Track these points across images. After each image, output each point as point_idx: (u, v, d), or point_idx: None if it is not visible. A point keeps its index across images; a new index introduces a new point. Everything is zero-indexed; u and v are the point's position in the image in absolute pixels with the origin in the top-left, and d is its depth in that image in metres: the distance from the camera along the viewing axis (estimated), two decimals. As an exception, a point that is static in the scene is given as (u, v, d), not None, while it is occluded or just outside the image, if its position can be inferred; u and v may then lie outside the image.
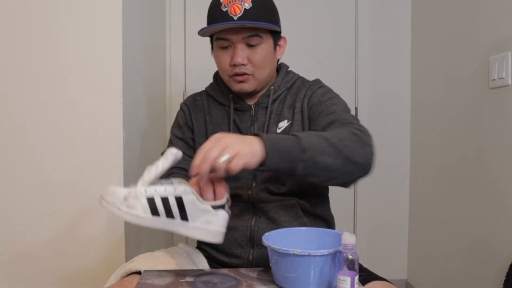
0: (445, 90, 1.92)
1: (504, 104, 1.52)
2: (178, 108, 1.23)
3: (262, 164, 0.80)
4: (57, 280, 1.31)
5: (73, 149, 1.29)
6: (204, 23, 1.08)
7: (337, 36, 2.26)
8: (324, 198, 1.16)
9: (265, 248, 0.90)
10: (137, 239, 1.47)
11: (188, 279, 0.87)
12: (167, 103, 2.17)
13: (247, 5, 1.03)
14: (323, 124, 1.01)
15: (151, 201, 0.77)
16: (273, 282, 0.83)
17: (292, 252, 0.76)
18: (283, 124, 1.10)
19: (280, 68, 1.18)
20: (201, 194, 0.82)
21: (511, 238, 1.48)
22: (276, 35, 1.11)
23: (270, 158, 0.79)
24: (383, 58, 2.27)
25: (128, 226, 1.36)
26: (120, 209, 0.76)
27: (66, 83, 1.29)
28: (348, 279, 0.72)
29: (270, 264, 0.84)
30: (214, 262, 1.11)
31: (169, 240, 2.07)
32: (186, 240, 1.84)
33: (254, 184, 1.09)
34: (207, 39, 1.16)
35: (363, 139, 0.91)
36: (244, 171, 0.78)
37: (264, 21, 1.04)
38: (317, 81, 1.17)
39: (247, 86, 1.09)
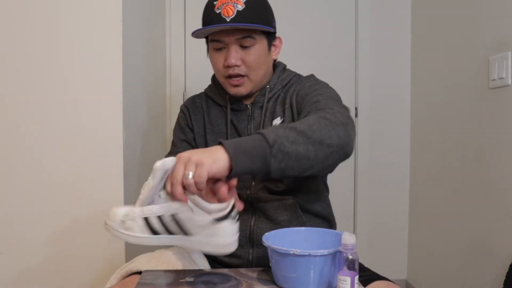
0: (445, 90, 1.92)
1: (504, 104, 1.52)
2: (178, 108, 1.24)
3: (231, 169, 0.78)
4: (57, 280, 1.31)
5: (73, 149, 1.29)
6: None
7: (337, 36, 2.26)
8: (322, 196, 1.16)
9: (265, 247, 0.90)
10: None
11: (188, 279, 0.87)
12: (167, 103, 2.17)
13: (240, 6, 1.03)
14: (304, 115, 0.99)
15: (147, 221, 0.77)
16: (273, 282, 0.84)
17: (292, 252, 0.76)
18: (277, 122, 1.10)
19: (276, 67, 1.18)
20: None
21: (511, 238, 1.48)
22: (270, 36, 1.12)
23: (236, 161, 0.77)
24: (383, 58, 2.27)
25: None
26: (119, 231, 0.76)
27: (66, 83, 1.29)
28: (348, 279, 0.72)
29: (270, 264, 0.84)
30: (214, 262, 1.11)
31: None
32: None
33: (253, 183, 1.09)
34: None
35: (333, 120, 0.87)
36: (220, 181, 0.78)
37: (257, 23, 1.04)
38: (310, 76, 1.17)
39: (243, 90, 1.10)
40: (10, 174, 1.29)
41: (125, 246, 1.32)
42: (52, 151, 1.29)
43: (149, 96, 1.76)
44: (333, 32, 2.26)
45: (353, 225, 2.31)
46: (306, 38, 2.24)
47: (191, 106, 1.20)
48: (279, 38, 1.16)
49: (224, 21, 1.03)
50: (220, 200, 0.81)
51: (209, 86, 1.22)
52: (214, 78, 1.21)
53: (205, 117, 1.17)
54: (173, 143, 1.21)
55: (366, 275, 0.97)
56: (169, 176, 0.77)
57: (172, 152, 1.20)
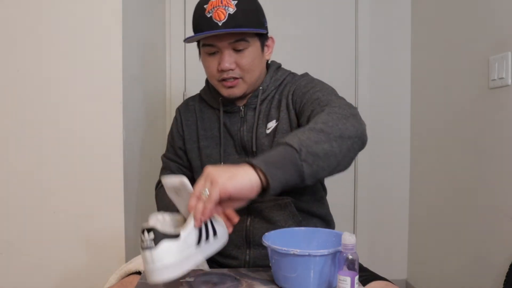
0: (445, 90, 1.92)
1: (504, 104, 1.52)
2: (177, 108, 1.24)
3: (266, 187, 0.74)
4: (57, 280, 1.31)
5: (73, 149, 1.29)
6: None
7: (337, 36, 2.26)
8: (319, 196, 1.15)
9: (261, 248, 0.90)
10: (137, 239, 1.47)
11: (188, 279, 0.87)
12: (167, 104, 2.17)
13: (231, 9, 1.01)
14: (307, 113, 0.98)
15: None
16: (273, 282, 0.84)
17: (292, 252, 0.76)
18: (272, 125, 1.09)
19: (269, 66, 1.17)
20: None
21: (511, 238, 1.48)
22: (263, 37, 1.10)
23: (272, 175, 0.73)
24: (383, 58, 2.27)
25: (128, 226, 1.36)
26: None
27: (66, 83, 1.29)
28: (348, 279, 0.72)
29: (270, 264, 0.84)
30: (213, 263, 1.11)
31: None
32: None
33: None
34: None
35: (343, 113, 0.87)
36: (245, 204, 0.76)
37: (249, 26, 1.03)
38: (304, 74, 1.15)
39: (237, 91, 1.09)
40: (10, 174, 1.29)
41: (125, 246, 1.32)
42: (52, 151, 1.29)
43: (149, 96, 1.76)
44: (333, 32, 2.26)
45: (353, 225, 2.30)
46: (306, 38, 2.24)
47: (183, 111, 1.21)
48: (271, 38, 1.15)
49: (216, 25, 1.01)
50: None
51: (204, 88, 1.22)
52: (207, 80, 1.20)
53: (198, 122, 1.17)
54: (167, 146, 1.25)
55: (365, 275, 0.97)
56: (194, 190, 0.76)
57: (165, 156, 1.24)
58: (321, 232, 0.91)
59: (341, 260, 0.74)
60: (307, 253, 0.76)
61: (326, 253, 0.76)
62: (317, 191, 1.15)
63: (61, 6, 1.28)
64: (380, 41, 2.26)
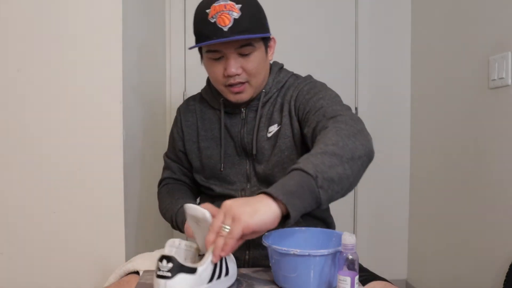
0: (445, 90, 1.92)
1: (504, 104, 1.52)
2: (178, 108, 1.24)
3: (286, 216, 0.74)
4: (57, 280, 1.31)
5: (73, 149, 1.29)
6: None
7: (337, 36, 2.26)
8: None
9: (261, 248, 0.90)
10: (137, 239, 1.47)
11: (188, 279, 0.86)
12: (167, 103, 2.17)
13: (236, 14, 0.98)
14: (313, 124, 0.97)
15: None
16: (273, 282, 0.83)
17: (292, 252, 0.76)
18: (273, 129, 1.08)
19: (272, 68, 1.15)
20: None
21: (511, 238, 1.48)
22: (266, 39, 1.09)
23: (292, 205, 0.72)
24: (383, 58, 2.27)
25: (128, 226, 1.36)
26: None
27: (66, 83, 1.29)
28: (348, 279, 0.72)
29: (270, 264, 0.84)
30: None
31: (168, 239, 2.06)
32: (186, 239, 1.83)
33: (248, 186, 1.09)
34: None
35: (351, 130, 0.86)
36: (265, 232, 0.75)
37: (254, 30, 1.01)
38: (306, 78, 1.13)
39: (244, 96, 1.07)
40: (10, 174, 1.29)
41: (125, 246, 1.32)
42: (52, 151, 1.29)
43: (149, 96, 1.76)
44: (333, 32, 2.26)
45: (353, 225, 2.30)
46: (306, 38, 2.24)
47: (184, 111, 1.20)
48: (273, 38, 1.12)
49: (221, 30, 0.98)
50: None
51: (205, 88, 1.20)
52: (209, 80, 1.19)
53: (199, 122, 1.16)
54: (168, 145, 1.26)
55: (364, 275, 0.97)
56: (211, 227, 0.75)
57: (166, 156, 1.26)
58: (321, 232, 0.91)
59: (341, 260, 0.74)
60: (307, 253, 0.76)
61: (326, 253, 0.76)
62: None
63: (61, 6, 1.28)
64: (380, 41, 2.26)
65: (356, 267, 0.73)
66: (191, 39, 1.05)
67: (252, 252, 1.06)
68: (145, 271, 0.92)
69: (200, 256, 0.85)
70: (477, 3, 1.68)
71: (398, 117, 2.28)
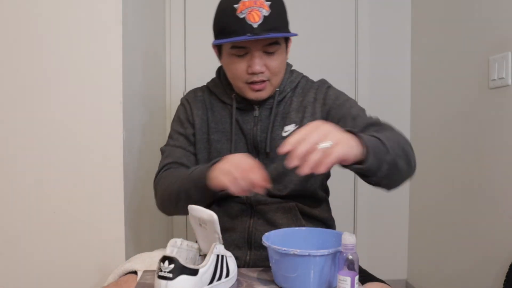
0: (445, 90, 1.92)
1: (504, 104, 1.52)
2: (184, 98, 1.20)
3: (360, 161, 0.79)
4: (57, 280, 1.31)
5: (73, 149, 1.29)
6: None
7: (337, 36, 2.26)
8: (323, 201, 1.15)
9: (262, 249, 0.89)
10: (137, 239, 1.47)
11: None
12: (167, 103, 2.17)
13: (266, 11, 0.98)
14: (355, 128, 0.98)
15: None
16: (273, 282, 0.84)
17: (292, 252, 0.76)
18: (290, 128, 1.08)
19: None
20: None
21: (511, 238, 1.48)
22: (287, 39, 1.09)
23: (369, 156, 0.79)
24: (383, 58, 2.27)
25: (128, 226, 1.36)
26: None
27: (66, 83, 1.29)
28: (348, 279, 0.72)
29: (270, 264, 0.84)
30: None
31: (168, 239, 2.07)
32: (186, 238, 1.84)
33: None
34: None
35: (408, 141, 0.93)
36: (333, 165, 0.76)
37: (283, 29, 1.02)
38: (324, 82, 1.15)
39: (264, 94, 1.07)
40: (10, 174, 1.29)
41: (125, 246, 1.32)
42: (52, 151, 1.29)
43: (149, 96, 1.76)
44: (333, 32, 2.26)
45: (353, 225, 2.31)
46: (306, 38, 2.23)
47: (192, 100, 1.16)
48: (290, 38, 1.12)
49: (250, 27, 0.97)
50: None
51: (213, 80, 1.18)
52: (219, 73, 1.17)
53: (209, 113, 1.13)
54: (170, 136, 1.17)
55: (361, 276, 0.97)
56: (297, 132, 0.77)
57: (169, 145, 1.15)
58: (321, 232, 0.91)
59: (341, 260, 0.74)
60: (307, 253, 0.76)
61: (326, 253, 0.76)
62: (322, 195, 1.14)
63: (61, 6, 1.28)
64: (380, 41, 2.27)
65: (356, 267, 0.73)
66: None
67: (253, 253, 1.05)
68: (145, 271, 0.93)
69: (201, 256, 0.85)
70: (477, 3, 1.68)
71: (398, 117, 2.28)
